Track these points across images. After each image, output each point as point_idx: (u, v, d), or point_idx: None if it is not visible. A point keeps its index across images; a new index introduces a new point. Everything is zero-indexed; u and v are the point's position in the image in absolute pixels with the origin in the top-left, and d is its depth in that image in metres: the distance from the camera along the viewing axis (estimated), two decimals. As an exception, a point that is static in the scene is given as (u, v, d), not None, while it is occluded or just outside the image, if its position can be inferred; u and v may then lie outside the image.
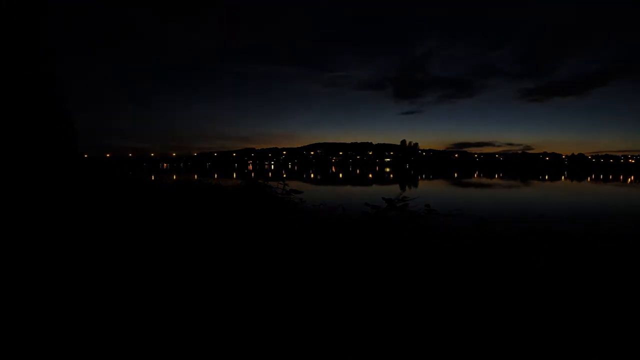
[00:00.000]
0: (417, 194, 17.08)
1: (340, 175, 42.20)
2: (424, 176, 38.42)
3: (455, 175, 41.92)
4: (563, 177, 36.71)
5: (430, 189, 20.84)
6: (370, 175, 40.68)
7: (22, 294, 3.18)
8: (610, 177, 37.57)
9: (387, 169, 79.57)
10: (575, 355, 2.34)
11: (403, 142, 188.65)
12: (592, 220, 9.13)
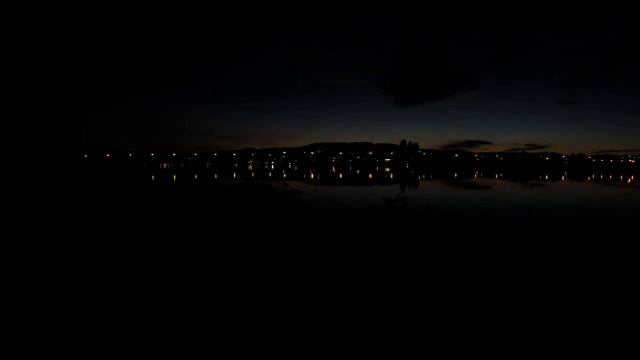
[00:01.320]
0: (417, 194, 17.06)
1: (340, 175, 42.18)
2: (424, 176, 38.38)
3: (456, 175, 41.91)
4: (563, 177, 36.70)
5: (430, 189, 20.84)
6: (370, 175, 40.64)
7: (22, 293, 3.19)
8: (610, 177, 37.55)
9: (387, 169, 79.53)
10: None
11: (403, 142, 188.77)
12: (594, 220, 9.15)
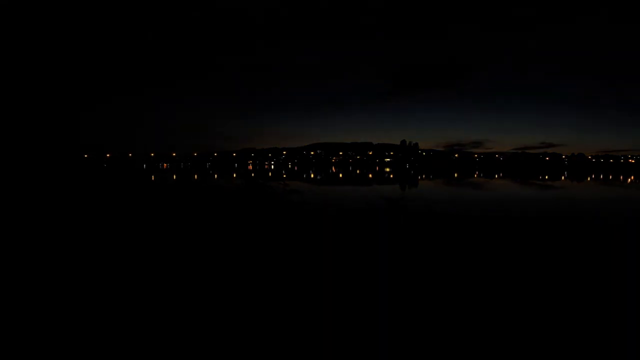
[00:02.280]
0: (417, 194, 17.07)
1: (340, 175, 42.18)
2: (424, 176, 38.41)
3: (456, 175, 41.95)
4: (563, 177, 36.73)
5: (430, 189, 20.85)
6: (370, 175, 40.65)
7: (23, 293, 3.19)
8: (610, 177, 37.61)
9: (387, 169, 79.55)
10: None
11: (403, 142, 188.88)
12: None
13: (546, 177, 37.75)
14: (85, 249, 4.74)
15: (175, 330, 2.55)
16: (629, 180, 31.59)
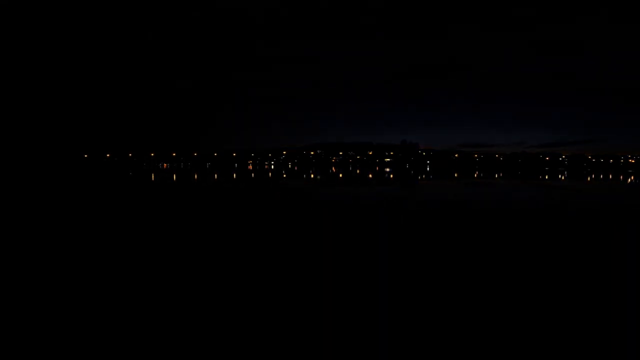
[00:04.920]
0: (417, 194, 17.07)
1: (340, 175, 42.18)
2: (424, 176, 38.43)
3: (456, 175, 41.98)
4: (563, 177, 36.74)
5: (430, 189, 20.84)
6: (370, 175, 40.66)
7: (23, 294, 3.19)
8: (611, 176, 37.62)
9: (387, 169, 79.57)
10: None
11: (403, 141, 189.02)
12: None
13: (546, 177, 37.76)
14: (86, 248, 4.74)
15: (175, 330, 2.55)
16: (629, 180, 31.58)
